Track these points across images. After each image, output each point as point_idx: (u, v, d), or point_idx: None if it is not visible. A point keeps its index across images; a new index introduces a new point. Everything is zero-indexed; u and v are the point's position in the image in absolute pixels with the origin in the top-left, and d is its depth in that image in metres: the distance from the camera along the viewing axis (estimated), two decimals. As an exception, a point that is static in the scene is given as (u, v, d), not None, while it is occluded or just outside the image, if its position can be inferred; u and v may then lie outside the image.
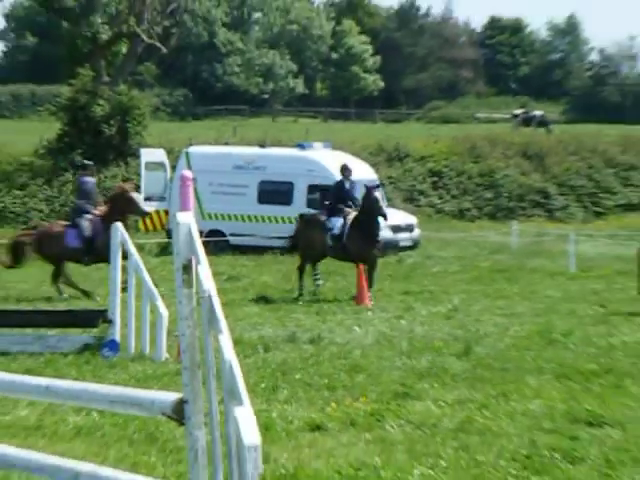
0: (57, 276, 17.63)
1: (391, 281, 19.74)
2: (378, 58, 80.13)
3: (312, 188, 25.09)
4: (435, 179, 37.36)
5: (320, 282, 19.01)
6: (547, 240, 28.83)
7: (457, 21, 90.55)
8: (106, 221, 16.40)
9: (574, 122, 60.22)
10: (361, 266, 17.51)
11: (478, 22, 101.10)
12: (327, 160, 25.47)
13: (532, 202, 37.69)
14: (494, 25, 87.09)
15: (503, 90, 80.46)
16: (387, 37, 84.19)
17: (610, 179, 39.32)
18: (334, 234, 18.68)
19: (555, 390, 10.09)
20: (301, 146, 27.05)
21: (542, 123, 48.05)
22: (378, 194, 18.09)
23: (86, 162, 19.92)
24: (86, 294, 17.07)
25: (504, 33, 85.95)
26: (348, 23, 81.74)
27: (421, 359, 11.44)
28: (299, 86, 78.85)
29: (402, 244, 25.43)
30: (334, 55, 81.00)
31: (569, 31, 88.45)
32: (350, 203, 18.85)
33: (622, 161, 40.22)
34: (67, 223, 18.47)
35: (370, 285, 17.55)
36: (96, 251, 16.95)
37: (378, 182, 22.36)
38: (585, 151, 40.09)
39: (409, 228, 26.26)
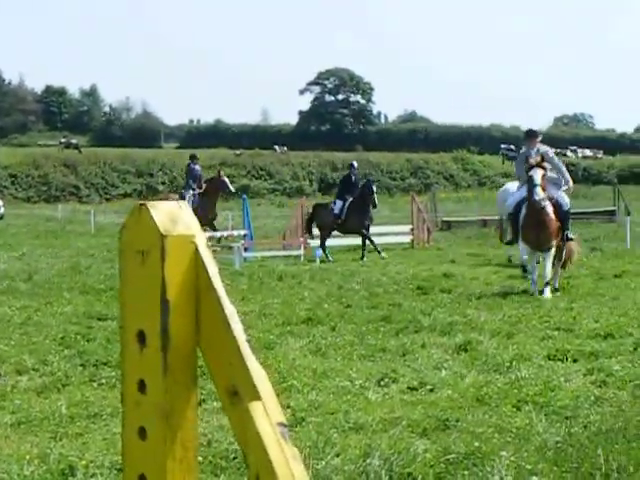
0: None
1: None
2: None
3: None
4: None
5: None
6: (78, 214, 47.49)
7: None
8: (205, 196, 26.47)
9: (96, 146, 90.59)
10: None
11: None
12: None
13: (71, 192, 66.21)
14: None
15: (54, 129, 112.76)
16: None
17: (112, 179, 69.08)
18: (335, 214, 24.70)
19: (79, 300, 14.43)
20: None
21: (75, 146, 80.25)
22: (374, 187, 24.60)
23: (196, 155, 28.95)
24: None
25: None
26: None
27: None
28: None
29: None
30: None
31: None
32: (353, 191, 24.70)
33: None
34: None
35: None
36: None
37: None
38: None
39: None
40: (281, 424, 1.94)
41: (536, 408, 7.23)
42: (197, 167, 28.00)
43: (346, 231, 25.35)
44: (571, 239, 15.76)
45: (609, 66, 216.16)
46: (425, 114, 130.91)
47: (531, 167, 14.86)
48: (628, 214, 30.16)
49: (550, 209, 15.09)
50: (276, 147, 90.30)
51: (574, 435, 6.23)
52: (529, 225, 15.12)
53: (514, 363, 9.11)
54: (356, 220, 24.58)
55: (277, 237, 29.03)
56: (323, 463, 5.92)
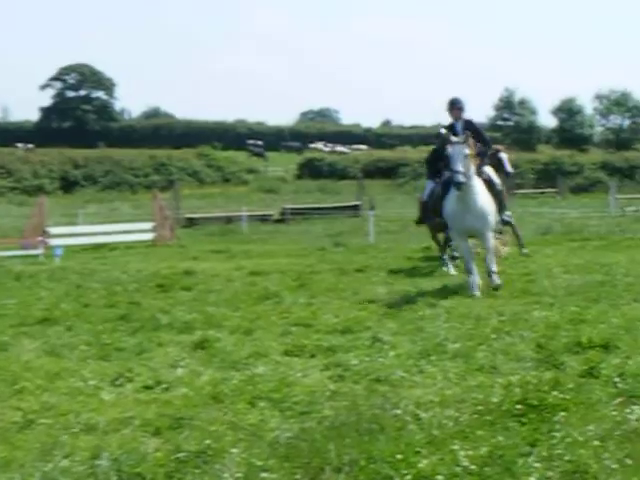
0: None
1: None
2: None
3: None
4: None
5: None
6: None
7: None
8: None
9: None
10: None
11: None
12: None
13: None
14: None
15: None
16: None
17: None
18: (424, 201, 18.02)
19: None
20: None
21: None
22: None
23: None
24: None
25: None
26: None
27: None
28: None
29: None
30: None
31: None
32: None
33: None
34: None
35: None
36: None
37: None
38: None
39: None
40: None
41: (271, 404, 7.22)
42: None
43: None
44: (508, 222, 15.42)
45: (353, 60, 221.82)
46: (170, 110, 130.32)
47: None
48: (372, 209, 30.97)
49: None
50: (19, 145, 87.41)
51: (307, 430, 6.24)
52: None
53: (251, 360, 9.09)
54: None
55: (17, 236, 27.98)
56: (51, 465, 5.74)
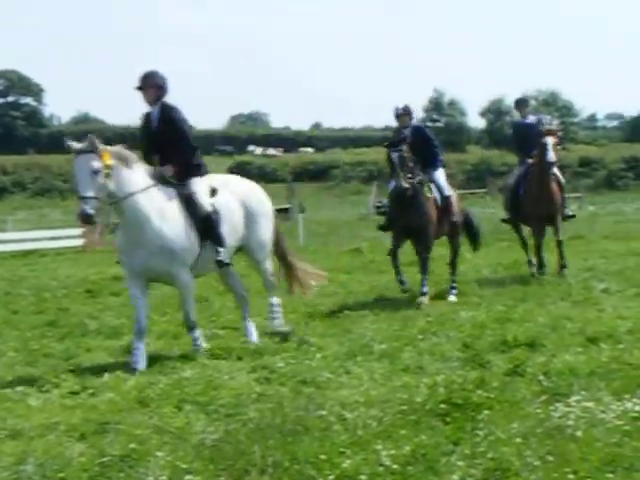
0: None
1: None
2: None
3: None
4: None
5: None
6: None
7: None
8: None
9: None
10: None
11: None
12: None
13: None
14: None
15: None
16: None
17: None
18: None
19: None
20: None
21: None
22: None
23: None
24: None
25: None
26: None
27: None
28: None
29: None
30: None
31: None
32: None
33: None
34: None
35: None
36: None
37: None
38: None
39: None
40: None
41: (197, 407, 7.23)
42: None
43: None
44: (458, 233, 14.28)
45: (276, 63, 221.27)
46: (100, 115, 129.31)
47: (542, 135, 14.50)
48: (302, 211, 31.03)
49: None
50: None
51: (232, 433, 6.26)
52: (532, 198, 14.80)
53: (178, 364, 9.09)
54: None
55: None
56: (-26, 471, 5.70)
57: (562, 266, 14.80)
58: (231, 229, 10.15)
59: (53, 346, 10.53)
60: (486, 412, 6.53)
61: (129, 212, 9.35)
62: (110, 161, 9.16)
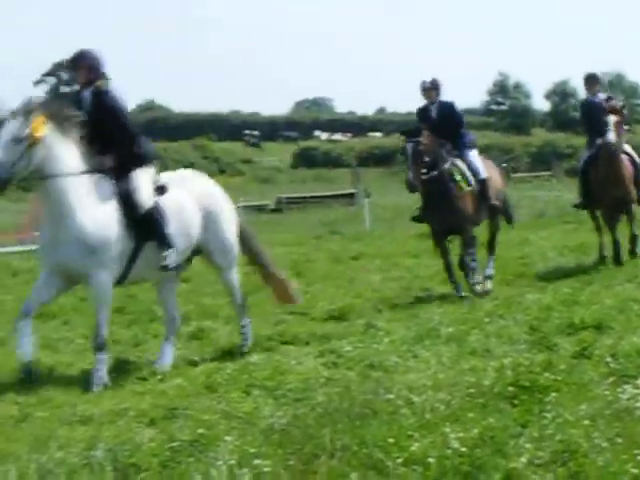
0: None
1: None
2: None
3: None
4: None
5: None
6: None
7: None
8: None
9: None
10: None
11: None
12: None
13: None
14: None
15: None
16: None
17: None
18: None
19: None
20: None
21: None
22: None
23: None
24: None
25: None
26: None
27: None
28: None
29: None
30: None
31: None
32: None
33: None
34: None
35: None
36: None
37: None
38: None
39: None
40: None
41: (265, 392, 7.27)
42: None
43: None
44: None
45: (344, 49, 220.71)
46: (165, 102, 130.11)
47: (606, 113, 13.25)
48: (368, 196, 30.96)
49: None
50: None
51: (300, 417, 6.28)
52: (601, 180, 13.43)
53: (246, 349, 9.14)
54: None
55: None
56: (46, 457, 5.75)
57: (632, 252, 13.94)
58: (182, 229, 8.92)
59: (121, 332, 10.59)
60: (554, 394, 6.48)
61: (53, 195, 8.35)
62: (40, 132, 8.18)
